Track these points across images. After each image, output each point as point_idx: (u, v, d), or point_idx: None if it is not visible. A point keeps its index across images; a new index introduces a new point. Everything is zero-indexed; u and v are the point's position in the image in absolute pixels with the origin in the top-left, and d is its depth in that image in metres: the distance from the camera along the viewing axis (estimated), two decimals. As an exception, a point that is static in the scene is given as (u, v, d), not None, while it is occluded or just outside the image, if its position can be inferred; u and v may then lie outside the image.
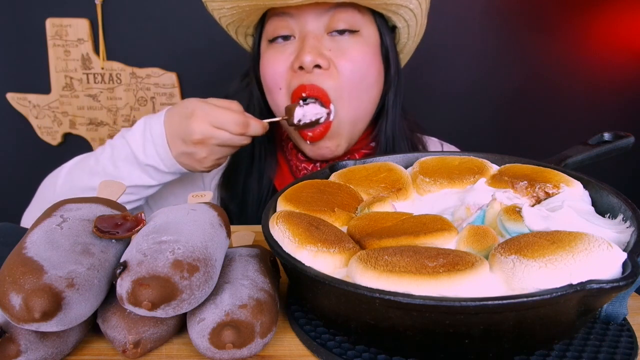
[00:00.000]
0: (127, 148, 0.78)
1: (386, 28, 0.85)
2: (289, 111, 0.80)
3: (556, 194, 0.53)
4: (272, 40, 0.82)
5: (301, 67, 0.78)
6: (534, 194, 0.54)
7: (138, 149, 0.77)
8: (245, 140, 0.77)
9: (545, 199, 0.53)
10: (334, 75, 0.79)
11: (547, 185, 0.54)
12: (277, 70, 0.81)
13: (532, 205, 0.53)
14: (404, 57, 0.94)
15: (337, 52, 0.80)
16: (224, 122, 0.73)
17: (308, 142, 0.82)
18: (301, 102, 0.79)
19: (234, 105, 0.76)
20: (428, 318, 0.37)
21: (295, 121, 0.79)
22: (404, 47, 0.91)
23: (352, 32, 0.81)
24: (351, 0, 0.77)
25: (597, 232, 0.45)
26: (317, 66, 0.78)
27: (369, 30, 0.83)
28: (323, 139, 0.82)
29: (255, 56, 0.88)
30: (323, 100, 0.79)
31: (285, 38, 0.81)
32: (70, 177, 0.81)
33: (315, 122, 0.80)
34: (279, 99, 0.83)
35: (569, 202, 0.50)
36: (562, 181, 0.54)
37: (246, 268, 0.47)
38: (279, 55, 0.81)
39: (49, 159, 1.62)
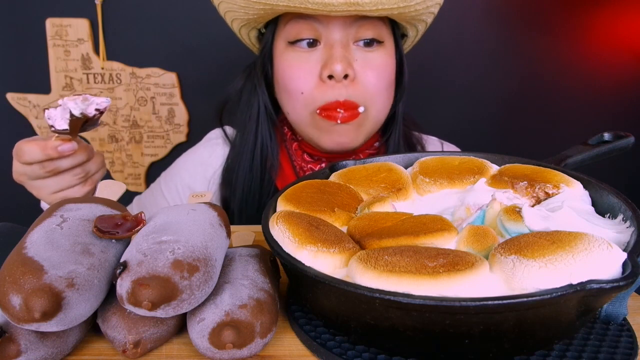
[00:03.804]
0: None
1: (400, 38, 0.87)
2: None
3: (556, 194, 0.53)
4: (294, 43, 0.81)
5: (330, 76, 0.78)
6: (534, 194, 0.54)
7: None
8: (48, 167, 0.65)
9: (545, 199, 0.53)
10: (359, 86, 0.80)
11: (547, 185, 0.54)
12: (301, 75, 0.80)
13: (532, 206, 0.53)
14: None
15: (363, 63, 0.80)
16: (13, 154, 0.65)
17: (338, 121, 0.80)
18: (60, 101, 0.61)
19: (35, 136, 0.68)
20: (428, 318, 0.37)
21: (50, 128, 0.63)
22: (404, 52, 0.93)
23: (378, 43, 0.81)
24: (389, 14, 0.77)
25: (597, 232, 0.45)
26: (345, 76, 0.78)
27: (390, 41, 0.84)
28: (351, 123, 0.81)
29: (266, 54, 0.87)
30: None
31: (310, 43, 0.80)
32: None
33: (85, 120, 0.62)
34: (298, 103, 0.82)
35: (569, 202, 0.50)
36: (562, 181, 0.54)
37: (246, 268, 0.47)
38: (303, 62, 0.80)
39: (49, 159, 1.63)
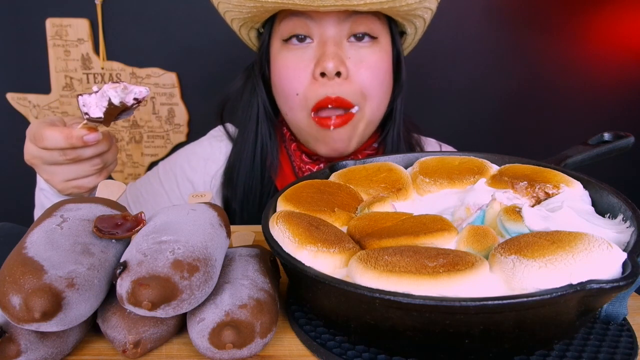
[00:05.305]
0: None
1: (397, 34, 0.86)
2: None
3: (556, 194, 0.53)
4: (287, 40, 0.81)
5: (322, 74, 0.78)
6: (534, 194, 0.54)
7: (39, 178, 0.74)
8: (70, 155, 0.64)
9: (545, 199, 0.53)
10: (352, 85, 0.79)
11: (547, 185, 0.54)
12: (296, 76, 0.80)
13: (532, 206, 0.53)
14: None
15: (356, 61, 0.80)
16: (28, 135, 0.65)
17: (331, 128, 0.80)
18: (95, 88, 0.60)
19: (53, 117, 0.67)
20: (428, 318, 0.37)
21: (84, 115, 0.61)
22: (404, 51, 0.92)
23: (371, 38, 0.81)
24: (379, 8, 0.77)
25: (597, 232, 0.45)
26: (338, 73, 0.78)
27: (386, 38, 0.84)
28: (345, 127, 0.81)
29: (264, 54, 0.87)
30: (346, 107, 0.80)
31: (301, 38, 0.80)
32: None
33: (123, 108, 0.60)
34: (295, 104, 0.82)
35: (569, 202, 0.50)
36: (562, 181, 0.54)
37: (246, 268, 0.47)
38: (297, 61, 0.80)
39: (49, 159, 1.63)
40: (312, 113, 0.80)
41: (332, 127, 0.80)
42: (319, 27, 0.79)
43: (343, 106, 0.80)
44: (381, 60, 0.82)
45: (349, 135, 0.83)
